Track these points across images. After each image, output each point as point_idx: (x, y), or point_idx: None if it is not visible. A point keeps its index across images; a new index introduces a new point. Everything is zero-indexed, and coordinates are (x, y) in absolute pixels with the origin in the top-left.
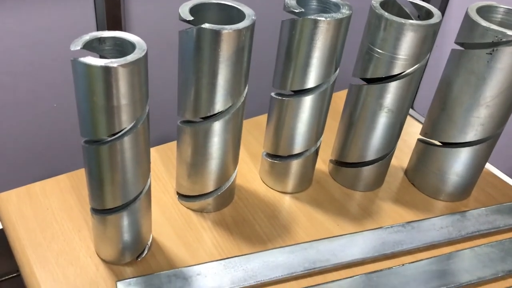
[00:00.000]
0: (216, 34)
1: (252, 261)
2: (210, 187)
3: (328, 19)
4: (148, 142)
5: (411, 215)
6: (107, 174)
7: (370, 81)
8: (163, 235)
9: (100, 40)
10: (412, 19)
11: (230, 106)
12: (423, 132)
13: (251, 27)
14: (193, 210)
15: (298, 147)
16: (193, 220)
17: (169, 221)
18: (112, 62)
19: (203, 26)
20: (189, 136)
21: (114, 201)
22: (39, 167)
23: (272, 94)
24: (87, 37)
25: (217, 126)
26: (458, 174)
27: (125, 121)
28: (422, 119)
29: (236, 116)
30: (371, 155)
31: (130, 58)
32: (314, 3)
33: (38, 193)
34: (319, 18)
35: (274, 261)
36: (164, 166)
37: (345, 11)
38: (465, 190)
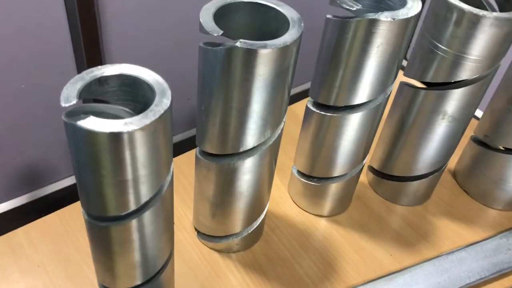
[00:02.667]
0: (255, 55)
1: None
2: (239, 227)
3: (393, 19)
4: (172, 206)
5: (468, 231)
6: (121, 255)
7: (431, 84)
8: (184, 286)
9: (101, 81)
10: (489, 10)
11: (268, 138)
12: (481, 134)
13: (299, 40)
14: (217, 251)
15: (339, 170)
16: (219, 263)
17: (190, 267)
18: (127, 124)
19: (237, 44)
20: (213, 174)
21: (129, 281)
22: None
23: (309, 105)
24: (82, 80)
25: (250, 163)
26: None
27: (145, 194)
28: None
29: (273, 148)
30: (424, 168)
31: (152, 115)
32: None
33: (23, 244)
34: (381, 19)
35: None
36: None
37: (412, 6)
38: None
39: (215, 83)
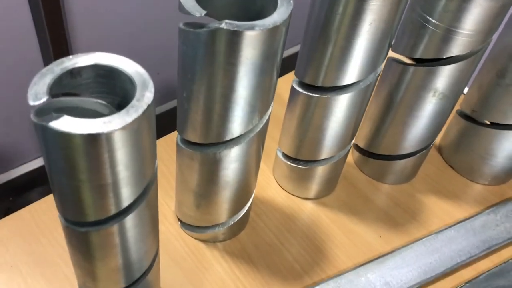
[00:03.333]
0: (242, 37)
1: None
2: (225, 217)
3: None
4: (157, 205)
5: (456, 208)
6: (102, 261)
7: (420, 60)
8: (171, 282)
9: (73, 73)
10: None
11: (256, 124)
12: (469, 109)
13: (289, 19)
14: (202, 241)
15: (326, 152)
16: (205, 254)
17: (175, 259)
18: (106, 124)
19: (222, 26)
20: (197, 163)
21: (113, 285)
22: None
23: (295, 85)
24: (51, 73)
25: (237, 151)
26: (509, 157)
27: (128, 197)
28: None
29: (260, 135)
30: (411, 146)
31: (134, 111)
32: None
33: None
34: None
35: None
36: None
37: None
38: (511, 172)
39: (197, 68)
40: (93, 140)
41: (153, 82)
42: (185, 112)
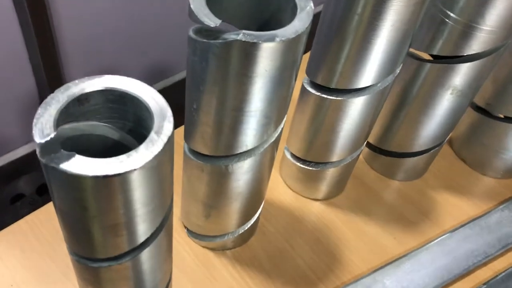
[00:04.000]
0: (261, 49)
1: None
2: (236, 226)
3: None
4: (172, 234)
5: (469, 204)
6: None
7: (438, 56)
8: None
9: (81, 100)
10: None
11: (271, 135)
12: (483, 102)
13: (310, 26)
14: (211, 249)
15: (338, 155)
16: (215, 264)
17: (183, 270)
18: (124, 163)
19: (239, 37)
20: (207, 175)
21: None
22: None
23: (306, 85)
24: (57, 102)
25: (250, 163)
26: None
27: (144, 233)
28: None
29: (275, 145)
30: (425, 144)
31: (153, 146)
32: None
33: None
34: None
35: None
36: None
37: None
38: None
39: (209, 80)
40: (108, 182)
41: (139, 62)
42: (194, 123)
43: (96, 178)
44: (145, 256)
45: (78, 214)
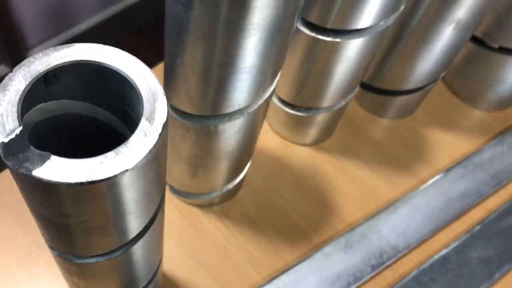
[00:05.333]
0: None
1: (305, 277)
2: (224, 183)
3: None
4: (164, 221)
5: (462, 140)
6: (101, 282)
7: None
8: (168, 260)
9: (48, 78)
10: None
11: (266, 90)
12: (480, 32)
13: None
14: (197, 206)
15: (329, 99)
16: (203, 222)
17: (170, 231)
18: (110, 163)
19: None
20: (194, 135)
21: None
22: None
23: (298, 24)
24: (18, 84)
25: (242, 122)
26: None
27: (135, 229)
28: None
29: (268, 100)
30: (420, 81)
31: (146, 141)
32: None
33: None
34: None
35: (332, 266)
36: None
37: None
38: None
39: (197, 33)
40: (94, 188)
41: None
42: (177, 80)
43: (79, 185)
44: (138, 247)
45: (59, 220)
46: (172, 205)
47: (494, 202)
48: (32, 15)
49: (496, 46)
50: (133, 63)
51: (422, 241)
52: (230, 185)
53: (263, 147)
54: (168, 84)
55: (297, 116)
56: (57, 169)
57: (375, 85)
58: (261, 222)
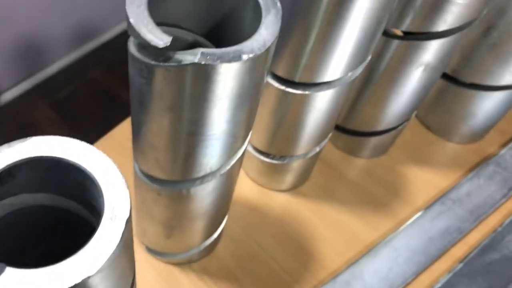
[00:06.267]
0: (224, 71)
1: None
2: (200, 242)
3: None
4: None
5: (438, 176)
6: None
7: (408, 32)
8: None
9: (3, 177)
10: None
11: (238, 150)
12: (450, 69)
13: (276, 36)
14: (175, 264)
15: (303, 147)
16: (181, 281)
17: None
18: (69, 271)
19: (197, 60)
20: (166, 199)
21: None
22: None
23: (268, 77)
24: None
25: (215, 184)
26: (488, 117)
27: None
28: None
29: (240, 159)
30: (393, 122)
31: (108, 242)
32: None
33: None
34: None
35: None
36: None
37: None
38: (489, 129)
39: (161, 105)
40: None
41: (62, 25)
42: (145, 146)
43: None
44: None
45: None
46: (149, 265)
47: (475, 238)
48: (2, 59)
49: (466, 81)
50: (93, 155)
51: (406, 284)
52: (208, 241)
53: (240, 196)
54: (137, 149)
55: (272, 164)
56: (13, 283)
57: (348, 127)
58: (242, 276)
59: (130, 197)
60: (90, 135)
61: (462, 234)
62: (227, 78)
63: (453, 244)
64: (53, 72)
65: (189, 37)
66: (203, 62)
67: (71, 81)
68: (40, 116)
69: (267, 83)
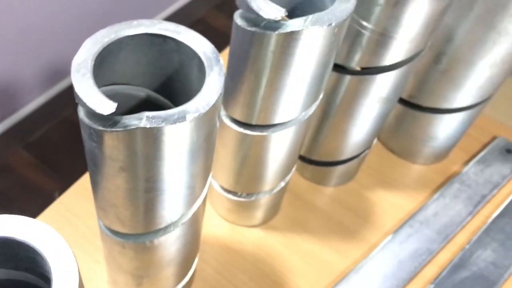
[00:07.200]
0: (170, 132)
1: None
2: (173, 285)
3: (330, 25)
4: None
5: (405, 198)
6: None
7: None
8: None
9: None
10: None
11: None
12: (406, 95)
13: (223, 90)
14: None
15: (268, 184)
16: None
17: None
18: None
19: (142, 124)
20: (131, 251)
21: None
22: None
23: (225, 120)
24: None
25: (178, 233)
26: (449, 138)
27: None
28: None
29: (203, 204)
30: (354, 150)
31: None
32: None
33: None
34: (313, 28)
35: None
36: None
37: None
38: (451, 149)
39: (113, 166)
40: None
41: (33, 66)
42: (104, 203)
43: None
44: None
45: None
46: None
47: (444, 257)
48: None
49: (423, 106)
50: (40, 230)
51: None
52: (180, 285)
53: (211, 235)
54: (97, 205)
55: (240, 201)
56: None
57: (313, 158)
58: None
59: (77, 268)
60: (67, 175)
61: (431, 255)
62: (175, 138)
63: (423, 265)
64: (26, 114)
65: (142, 92)
66: (148, 126)
67: (44, 122)
68: (15, 158)
69: (226, 126)
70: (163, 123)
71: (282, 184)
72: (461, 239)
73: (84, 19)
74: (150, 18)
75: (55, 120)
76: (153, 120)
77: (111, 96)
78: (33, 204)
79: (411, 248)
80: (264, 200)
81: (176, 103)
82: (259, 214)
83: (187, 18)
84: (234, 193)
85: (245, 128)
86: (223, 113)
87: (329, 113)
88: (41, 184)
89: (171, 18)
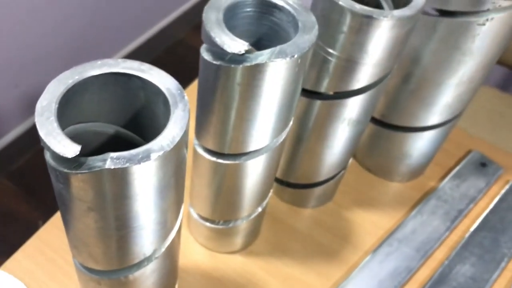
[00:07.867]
0: (136, 171)
1: None
2: None
3: (292, 57)
4: None
5: (383, 216)
6: None
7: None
8: None
9: None
10: (386, 8)
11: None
12: (378, 114)
13: (188, 126)
14: None
15: (245, 210)
16: None
17: None
18: None
19: (107, 166)
20: (107, 286)
21: None
22: None
23: (198, 149)
24: None
25: (153, 267)
26: (423, 155)
27: None
28: None
29: (177, 236)
30: (329, 172)
31: None
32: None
33: None
34: (278, 61)
35: None
36: (51, 275)
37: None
38: (426, 165)
39: (81, 207)
40: None
41: (11, 95)
42: (77, 241)
43: None
44: None
45: None
46: None
47: (424, 274)
48: None
49: (395, 125)
50: (5, 280)
51: None
52: None
53: (190, 263)
54: (70, 243)
55: (218, 229)
56: None
57: (290, 181)
58: None
59: None
60: (49, 203)
61: (411, 272)
62: (141, 177)
63: (403, 284)
64: (7, 143)
65: (110, 129)
66: (113, 167)
67: (25, 150)
68: None
69: (200, 155)
70: (128, 163)
71: (260, 209)
72: (440, 255)
73: (62, 50)
74: (131, 40)
75: (36, 149)
76: (118, 161)
77: (79, 135)
78: (16, 233)
79: (390, 267)
80: (242, 226)
81: (146, 138)
82: (238, 240)
83: (167, 39)
84: (211, 221)
85: (218, 157)
86: (196, 142)
87: (303, 137)
88: (23, 213)
89: (151, 40)
